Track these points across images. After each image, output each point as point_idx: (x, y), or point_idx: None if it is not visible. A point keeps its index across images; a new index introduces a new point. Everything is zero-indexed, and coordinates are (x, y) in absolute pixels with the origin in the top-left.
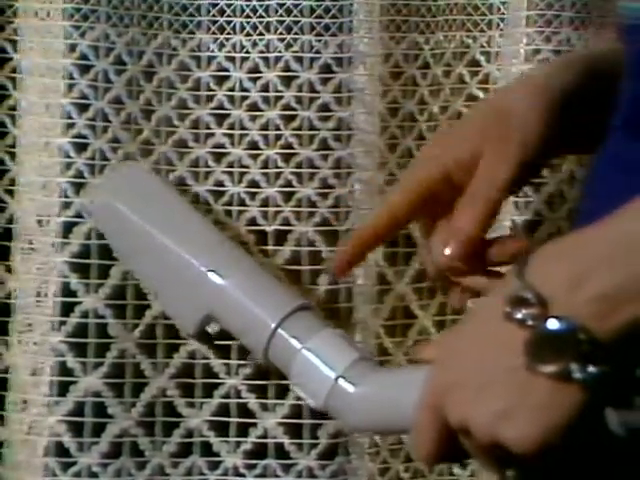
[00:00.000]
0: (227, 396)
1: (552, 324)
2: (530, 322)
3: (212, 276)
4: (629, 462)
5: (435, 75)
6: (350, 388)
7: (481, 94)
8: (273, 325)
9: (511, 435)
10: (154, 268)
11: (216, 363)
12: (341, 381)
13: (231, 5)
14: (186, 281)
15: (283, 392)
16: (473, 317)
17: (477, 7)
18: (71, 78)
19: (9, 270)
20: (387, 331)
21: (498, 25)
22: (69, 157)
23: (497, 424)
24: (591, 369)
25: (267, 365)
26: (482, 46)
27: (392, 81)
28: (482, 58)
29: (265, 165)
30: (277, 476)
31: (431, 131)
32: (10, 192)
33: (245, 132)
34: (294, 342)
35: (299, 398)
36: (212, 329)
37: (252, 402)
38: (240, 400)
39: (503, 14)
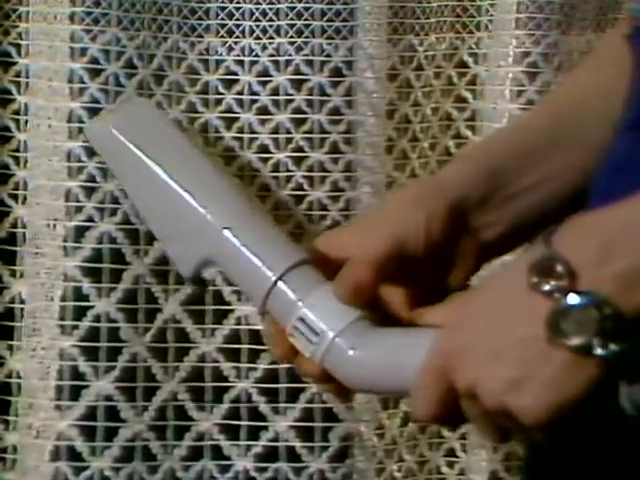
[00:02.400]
0: (237, 400)
1: (577, 298)
2: (557, 294)
3: (214, 220)
4: (637, 440)
5: (427, 77)
6: (348, 348)
7: (469, 95)
8: (274, 278)
9: (521, 404)
10: (155, 206)
11: (226, 366)
12: (339, 340)
13: (240, 8)
14: (187, 223)
15: (294, 395)
16: (492, 283)
17: (466, 9)
18: (82, 82)
19: (14, 274)
20: None
21: (487, 27)
22: (80, 161)
23: (509, 391)
24: (613, 347)
25: (264, 314)
26: (470, 48)
27: (389, 83)
28: (470, 59)
29: (276, 168)
30: (288, 479)
31: (424, 132)
32: (15, 196)
33: (255, 136)
34: (293, 296)
35: (311, 401)
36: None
37: (263, 405)
38: (251, 404)
39: (492, 16)
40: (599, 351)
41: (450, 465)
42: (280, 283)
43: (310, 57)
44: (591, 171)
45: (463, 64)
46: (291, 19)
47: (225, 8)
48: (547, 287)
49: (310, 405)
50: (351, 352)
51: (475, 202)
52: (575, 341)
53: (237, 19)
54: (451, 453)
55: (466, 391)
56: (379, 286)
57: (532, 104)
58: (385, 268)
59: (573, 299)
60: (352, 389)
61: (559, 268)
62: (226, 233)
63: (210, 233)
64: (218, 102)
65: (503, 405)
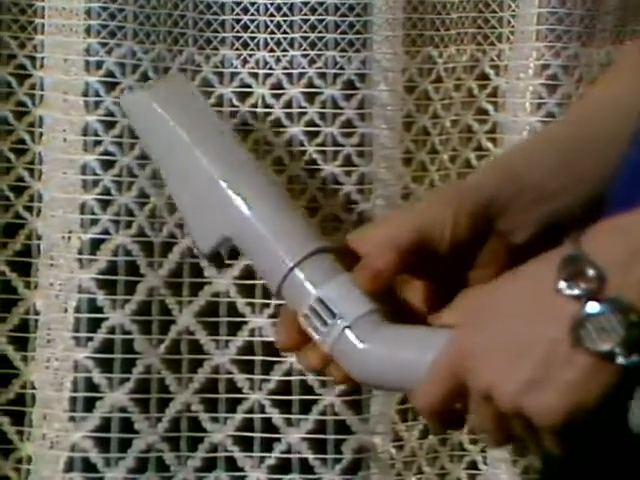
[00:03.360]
0: (251, 411)
1: (604, 303)
2: (584, 298)
3: (238, 201)
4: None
5: (447, 89)
6: (359, 341)
7: (490, 107)
8: (291, 264)
9: (538, 405)
10: (183, 178)
11: (240, 378)
12: (350, 329)
13: (255, 21)
14: (212, 199)
15: (307, 407)
16: (516, 281)
17: (487, 20)
18: (97, 95)
19: (29, 286)
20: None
21: (508, 38)
22: (96, 174)
23: (527, 392)
24: (635, 357)
25: (279, 298)
26: (492, 60)
27: (407, 95)
28: (491, 72)
29: (290, 181)
30: None
31: (443, 145)
32: (30, 209)
33: (269, 148)
34: (308, 285)
35: (323, 413)
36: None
37: (276, 417)
38: (264, 415)
39: (513, 27)
40: (621, 359)
41: (471, 478)
42: (297, 269)
43: (323, 70)
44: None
45: (484, 76)
46: (305, 31)
47: (240, 20)
48: (575, 291)
49: (323, 417)
50: (361, 345)
51: (501, 204)
52: (599, 347)
53: (252, 31)
54: (472, 466)
55: (481, 391)
56: (399, 277)
57: (552, 117)
58: (407, 257)
59: (600, 305)
60: (357, 381)
61: (589, 271)
62: (249, 215)
63: (233, 213)
64: (233, 114)
65: (520, 407)
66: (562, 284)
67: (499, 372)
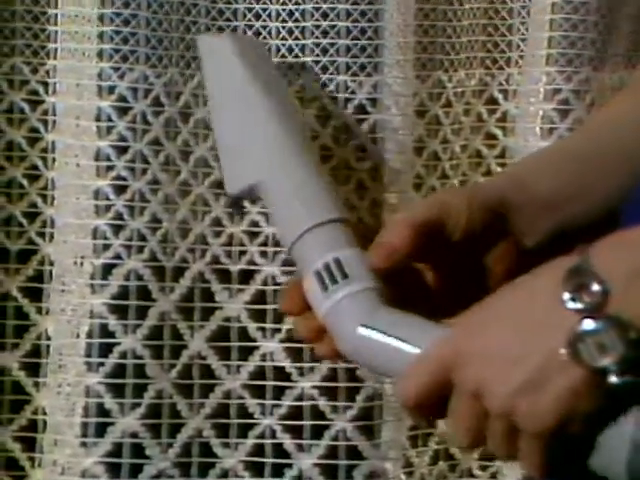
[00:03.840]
0: (262, 436)
1: (604, 320)
2: (586, 312)
3: (277, 154)
4: None
5: (457, 113)
6: (355, 315)
7: (499, 132)
8: (305, 228)
9: (529, 408)
10: (234, 120)
11: (251, 403)
12: (349, 301)
13: (266, 44)
14: (252, 146)
15: (318, 432)
16: (521, 288)
17: (497, 44)
18: (109, 120)
19: (40, 312)
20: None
21: (517, 63)
22: (108, 199)
23: (519, 395)
24: (628, 377)
25: (289, 255)
26: (500, 84)
27: (418, 120)
28: (500, 96)
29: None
30: None
31: (454, 170)
32: (42, 234)
33: None
34: (316, 251)
35: (335, 438)
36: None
37: (287, 442)
38: (275, 440)
39: (522, 51)
40: (613, 378)
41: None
42: (317, 229)
43: (334, 94)
44: (627, 188)
45: (493, 101)
46: (316, 55)
47: None
48: (578, 304)
49: (335, 442)
50: (357, 326)
51: (510, 207)
52: (594, 362)
53: None
54: None
55: (470, 388)
56: (411, 260)
57: None
58: (421, 236)
59: (600, 321)
60: (345, 357)
61: (593, 285)
62: (282, 168)
63: (270, 163)
64: None
65: (510, 408)
66: (566, 296)
67: (493, 372)
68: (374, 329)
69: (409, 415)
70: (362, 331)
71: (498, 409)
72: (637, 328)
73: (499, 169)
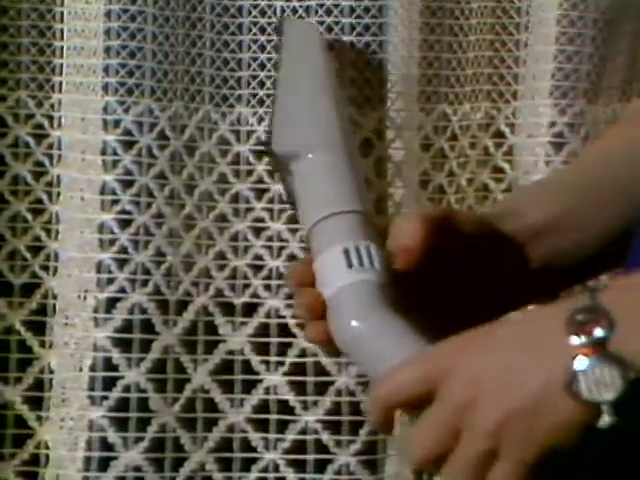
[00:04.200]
0: (266, 470)
1: (605, 356)
2: (591, 347)
3: (327, 135)
4: None
5: (462, 147)
6: (351, 317)
7: (507, 166)
8: (340, 209)
9: (519, 435)
10: (298, 89)
11: (254, 437)
12: (346, 291)
13: (271, 77)
14: (311, 119)
15: (322, 466)
16: (522, 320)
17: (502, 76)
18: (115, 154)
19: (43, 345)
20: None
21: (524, 96)
22: (113, 233)
23: (511, 419)
24: (616, 417)
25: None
26: (507, 117)
27: (423, 153)
28: (507, 130)
29: (301, 240)
30: None
31: (459, 203)
32: (46, 268)
33: (284, 206)
34: (345, 233)
35: (338, 472)
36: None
37: (291, 476)
38: (278, 474)
39: (528, 84)
40: (606, 419)
41: None
42: (344, 215)
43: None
44: (626, 220)
45: (500, 134)
46: None
47: (257, 77)
48: (583, 339)
49: (338, 477)
50: (353, 322)
51: (508, 233)
52: (591, 398)
53: (268, 88)
54: None
55: (459, 402)
56: (426, 258)
57: None
58: (434, 231)
59: (600, 358)
60: (336, 345)
61: (599, 321)
62: (329, 148)
63: (321, 141)
64: (249, 173)
65: (499, 430)
66: (571, 329)
67: (488, 391)
68: (370, 330)
69: (375, 415)
70: (359, 327)
71: (486, 428)
72: (637, 368)
73: None
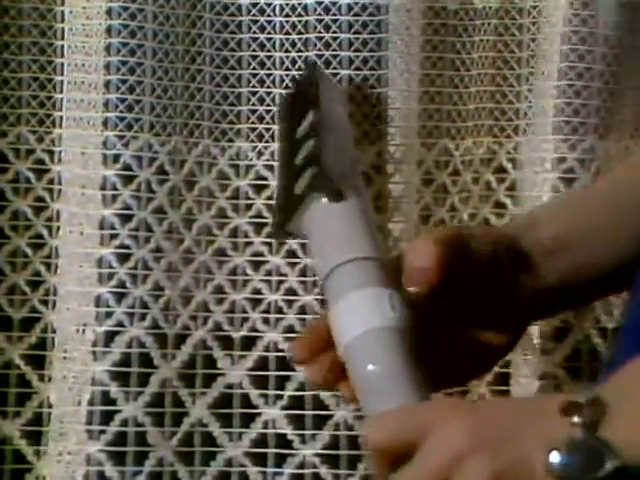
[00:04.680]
0: None
1: (592, 439)
2: (580, 427)
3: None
4: None
5: (465, 182)
6: (367, 361)
7: (508, 201)
8: (340, 260)
9: None
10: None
11: (253, 471)
12: (363, 341)
13: (270, 111)
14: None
15: None
16: (519, 398)
17: (504, 111)
18: (114, 189)
19: (42, 379)
20: None
21: (525, 131)
22: (111, 267)
23: (496, 477)
24: None
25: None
26: (508, 152)
27: (424, 188)
28: (509, 165)
29: (303, 273)
30: None
31: None
32: (45, 302)
33: (283, 242)
34: (344, 286)
35: None
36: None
37: None
38: None
39: (530, 119)
40: None
41: None
42: (344, 266)
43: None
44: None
45: (502, 169)
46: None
47: (256, 111)
48: (575, 417)
49: None
50: (369, 366)
51: (522, 247)
52: (570, 476)
53: (267, 122)
54: None
55: (445, 458)
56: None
57: None
58: (448, 252)
59: (589, 440)
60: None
61: (595, 407)
62: (325, 201)
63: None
64: (248, 207)
65: None
66: (565, 408)
67: (476, 448)
68: (382, 372)
69: (368, 458)
70: (371, 368)
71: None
72: (620, 456)
73: None
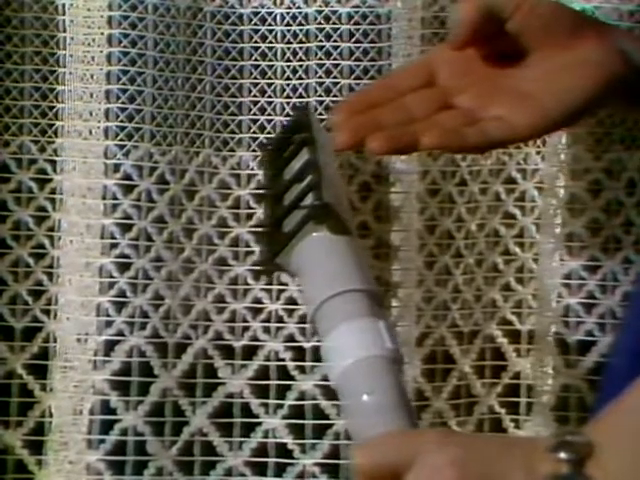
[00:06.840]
0: None
1: (581, 477)
2: (566, 464)
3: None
4: None
5: (472, 192)
6: (363, 392)
7: (518, 212)
8: (330, 293)
9: None
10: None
11: None
12: (356, 371)
13: (272, 121)
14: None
15: None
16: (506, 436)
17: None
18: (115, 198)
19: (44, 389)
20: None
21: (535, 141)
22: (112, 277)
23: None
24: None
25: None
26: (518, 163)
27: (429, 198)
28: (518, 176)
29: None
30: None
31: (468, 249)
32: (47, 312)
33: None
34: (336, 317)
35: None
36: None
37: None
38: None
39: None
40: None
41: None
42: (333, 299)
43: (339, 171)
44: None
45: (511, 180)
46: None
47: (257, 121)
48: (562, 453)
49: None
50: (364, 397)
51: None
52: None
53: (268, 132)
54: None
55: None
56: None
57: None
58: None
59: (574, 476)
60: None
61: (581, 442)
62: (319, 234)
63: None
64: (249, 217)
65: None
66: (553, 444)
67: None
68: (374, 402)
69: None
70: (366, 399)
71: None
72: None
73: (517, 249)
